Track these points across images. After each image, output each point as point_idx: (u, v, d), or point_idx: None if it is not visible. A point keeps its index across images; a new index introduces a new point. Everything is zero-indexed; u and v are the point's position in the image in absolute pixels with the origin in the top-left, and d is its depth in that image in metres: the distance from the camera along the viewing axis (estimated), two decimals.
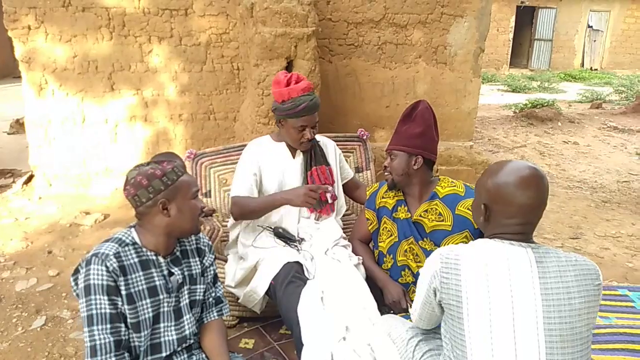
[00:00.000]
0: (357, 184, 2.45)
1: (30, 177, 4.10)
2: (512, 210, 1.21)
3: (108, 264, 1.28)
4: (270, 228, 2.17)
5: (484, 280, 1.16)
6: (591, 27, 15.76)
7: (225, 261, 2.26)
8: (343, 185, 2.37)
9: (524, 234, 1.23)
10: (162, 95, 3.87)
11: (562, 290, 1.14)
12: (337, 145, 2.44)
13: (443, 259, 1.23)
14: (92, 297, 1.26)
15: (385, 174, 1.99)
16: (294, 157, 2.21)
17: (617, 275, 2.91)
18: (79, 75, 3.73)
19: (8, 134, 6.08)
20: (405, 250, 1.96)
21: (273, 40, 3.01)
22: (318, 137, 2.32)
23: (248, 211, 2.07)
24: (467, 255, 1.21)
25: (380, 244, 2.06)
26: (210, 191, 2.47)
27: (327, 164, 2.24)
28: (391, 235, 2.01)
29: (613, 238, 3.51)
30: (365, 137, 2.72)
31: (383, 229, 2.04)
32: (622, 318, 2.32)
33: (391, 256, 2.01)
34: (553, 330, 1.12)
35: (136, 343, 1.35)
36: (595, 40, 15.98)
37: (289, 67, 3.13)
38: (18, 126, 5.96)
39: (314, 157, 2.20)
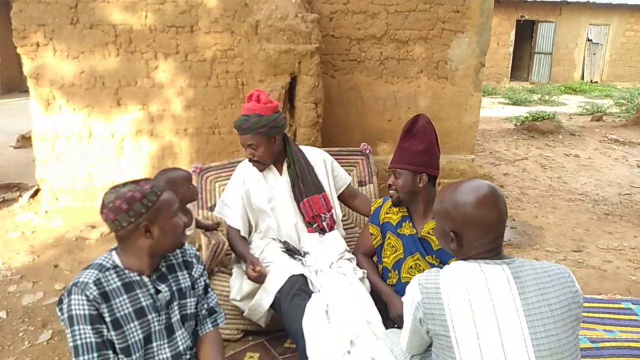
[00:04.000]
0: (353, 193, 2.44)
1: (37, 191, 4.14)
2: (481, 231, 1.22)
3: (88, 293, 1.26)
4: (279, 240, 2.20)
5: (467, 305, 1.17)
6: (590, 40, 15.88)
7: (230, 275, 2.28)
8: (340, 196, 2.37)
9: (495, 249, 1.24)
10: (167, 110, 3.93)
11: (542, 303, 1.16)
12: (340, 159, 2.45)
13: (422, 289, 1.23)
14: (76, 327, 1.26)
15: (390, 192, 1.98)
16: (280, 174, 2.25)
17: (621, 288, 2.91)
18: (86, 91, 3.79)
19: (15, 148, 6.14)
20: (411, 267, 1.96)
21: (277, 56, 3.07)
22: (304, 149, 2.32)
23: (232, 248, 2.25)
24: (447, 281, 1.21)
25: (384, 259, 2.07)
26: (215, 205, 2.49)
27: (320, 190, 2.23)
28: (396, 251, 2.01)
29: (616, 251, 3.51)
30: (368, 152, 2.75)
31: (387, 245, 2.05)
32: (626, 332, 2.33)
33: (396, 272, 2.01)
34: (542, 345, 1.13)
35: None
36: (595, 54, 16.09)
37: (293, 83, 3.18)
38: (24, 140, 6.02)
39: (303, 189, 2.19)
